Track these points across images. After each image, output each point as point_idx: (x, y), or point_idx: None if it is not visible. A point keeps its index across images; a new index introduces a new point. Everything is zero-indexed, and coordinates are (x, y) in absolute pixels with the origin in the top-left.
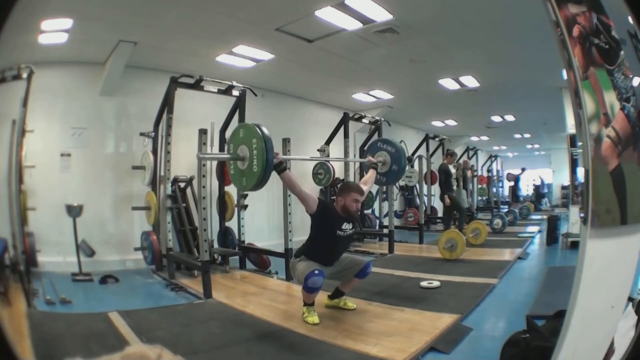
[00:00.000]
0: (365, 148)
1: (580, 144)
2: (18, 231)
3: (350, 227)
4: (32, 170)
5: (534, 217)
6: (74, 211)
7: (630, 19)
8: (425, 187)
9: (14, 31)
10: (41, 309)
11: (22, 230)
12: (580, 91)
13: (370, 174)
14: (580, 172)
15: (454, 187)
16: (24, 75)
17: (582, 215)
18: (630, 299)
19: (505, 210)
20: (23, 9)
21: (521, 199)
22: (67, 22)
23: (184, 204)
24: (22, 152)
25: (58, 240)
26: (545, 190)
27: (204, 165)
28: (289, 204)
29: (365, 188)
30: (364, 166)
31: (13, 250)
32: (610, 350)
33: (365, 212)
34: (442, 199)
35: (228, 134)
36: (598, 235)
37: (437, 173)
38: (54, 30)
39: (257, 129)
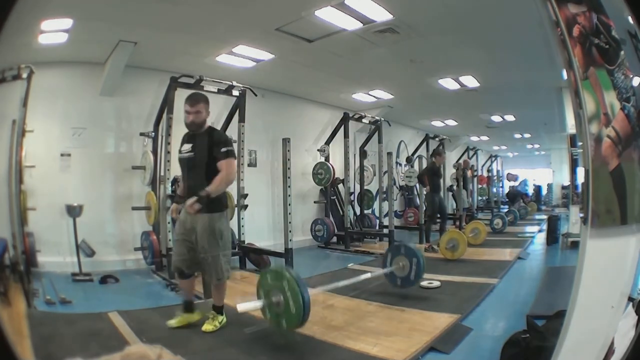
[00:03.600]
0: None
1: (580, 144)
2: (18, 231)
3: (190, 148)
4: (32, 170)
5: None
6: (74, 211)
7: (630, 19)
8: None
9: (14, 31)
10: (41, 309)
11: (22, 230)
12: (580, 91)
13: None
14: (580, 172)
15: (454, 188)
16: (24, 75)
17: (582, 215)
18: (630, 299)
19: (506, 210)
20: (23, 9)
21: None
22: (67, 22)
23: None
24: (22, 152)
25: (58, 240)
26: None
27: None
28: (289, 204)
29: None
30: None
31: (13, 250)
32: (610, 350)
33: (365, 212)
34: (427, 199)
35: (228, 134)
36: (598, 235)
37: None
38: (54, 30)
39: (286, 272)
